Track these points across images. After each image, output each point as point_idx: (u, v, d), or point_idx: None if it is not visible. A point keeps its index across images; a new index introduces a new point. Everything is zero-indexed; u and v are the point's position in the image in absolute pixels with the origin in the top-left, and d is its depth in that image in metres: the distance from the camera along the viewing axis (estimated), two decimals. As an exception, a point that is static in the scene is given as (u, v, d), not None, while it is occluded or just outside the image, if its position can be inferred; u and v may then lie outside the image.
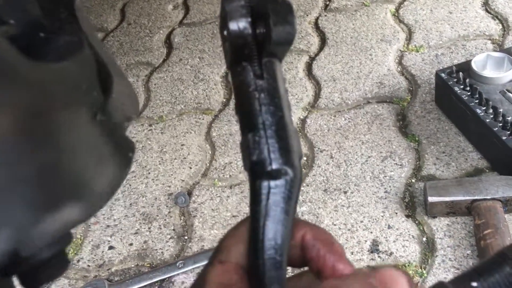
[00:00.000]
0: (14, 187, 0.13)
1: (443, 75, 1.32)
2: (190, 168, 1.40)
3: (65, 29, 0.47)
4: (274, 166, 0.32)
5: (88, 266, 1.23)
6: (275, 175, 0.32)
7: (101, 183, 0.17)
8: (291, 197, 0.32)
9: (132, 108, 0.46)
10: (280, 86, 0.34)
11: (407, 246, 1.12)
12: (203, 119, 1.53)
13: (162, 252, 1.22)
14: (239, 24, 0.33)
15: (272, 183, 0.32)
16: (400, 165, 1.28)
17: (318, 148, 1.37)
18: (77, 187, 0.15)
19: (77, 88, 0.34)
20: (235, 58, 0.34)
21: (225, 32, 0.33)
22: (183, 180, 1.37)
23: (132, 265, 1.21)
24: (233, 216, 1.26)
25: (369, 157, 1.32)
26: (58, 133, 0.15)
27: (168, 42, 1.87)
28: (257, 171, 0.33)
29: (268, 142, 0.32)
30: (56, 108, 0.16)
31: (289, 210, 0.32)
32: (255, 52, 0.34)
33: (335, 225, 1.19)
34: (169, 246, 1.23)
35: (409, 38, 1.65)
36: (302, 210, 1.24)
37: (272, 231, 0.32)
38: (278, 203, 0.32)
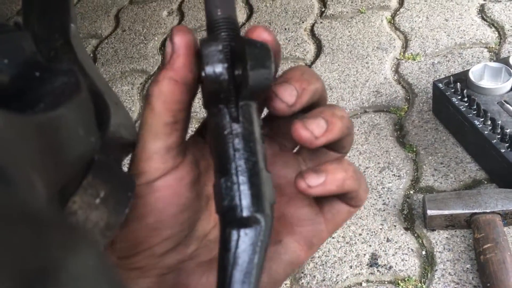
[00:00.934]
0: None
1: (440, 85, 1.31)
2: (186, 179, 1.39)
3: (61, 59, 0.46)
4: (245, 213, 0.32)
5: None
6: (245, 222, 0.32)
7: None
8: (261, 246, 0.32)
9: (130, 139, 0.45)
10: (256, 130, 0.34)
11: (406, 260, 1.11)
12: (199, 128, 1.52)
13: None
14: (215, 69, 0.33)
15: (242, 231, 0.32)
16: (398, 176, 1.28)
17: (315, 159, 1.36)
18: None
19: (75, 137, 0.33)
20: (211, 100, 0.34)
21: (202, 74, 0.33)
22: (179, 192, 1.36)
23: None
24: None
25: (366, 168, 1.31)
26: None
27: (163, 49, 1.86)
28: (227, 218, 0.32)
29: (240, 189, 0.32)
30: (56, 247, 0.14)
31: (258, 259, 0.32)
32: (232, 95, 0.34)
33: (333, 237, 1.18)
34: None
35: (405, 46, 1.64)
36: (300, 223, 1.23)
37: (239, 282, 0.31)
38: (247, 252, 0.32)
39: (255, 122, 0.35)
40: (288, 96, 0.34)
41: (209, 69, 0.33)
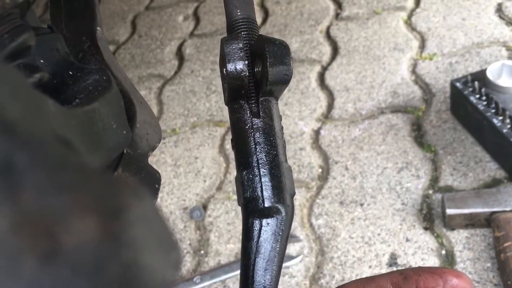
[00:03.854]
0: None
1: (458, 84, 1.31)
2: (205, 181, 1.40)
3: (90, 61, 0.48)
4: (266, 204, 0.33)
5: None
6: (267, 213, 0.33)
7: (167, 269, 0.17)
8: (282, 235, 0.34)
9: (155, 136, 0.46)
10: (276, 124, 0.36)
11: (426, 259, 1.11)
12: (216, 131, 1.53)
13: (178, 267, 1.22)
14: (237, 66, 0.34)
15: (264, 221, 0.33)
16: (417, 176, 1.27)
17: (333, 160, 1.37)
18: (150, 280, 0.16)
19: (108, 129, 0.34)
20: (233, 96, 0.35)
21: (224, 71, 0.35)
22: (197, 194, 1.37)
23: (149, 281, 1.21)
24: (249, 230, 1.26)
25: (384, 168, 1.31)
26: (128, 224, 0.16)
27: (180, 54, 1.88)
28: (249, 208, 0.34)
29: (262, 181, 0.34)
30: (119, 192, 0.16)
31: (280, 248, 0.33)
32: (252, 91, 0.36)
33: (352, 238, 1.18)
34: (186, 261, 1.23)
35: (422, 46, 1.64)
36: (319, 223, 1.23)
37: (262, 269, 0.33)
38: (269, 240, 0.33)
39: (275, 117, 0.36)
40: None
41: (230, 67, 0.35)
